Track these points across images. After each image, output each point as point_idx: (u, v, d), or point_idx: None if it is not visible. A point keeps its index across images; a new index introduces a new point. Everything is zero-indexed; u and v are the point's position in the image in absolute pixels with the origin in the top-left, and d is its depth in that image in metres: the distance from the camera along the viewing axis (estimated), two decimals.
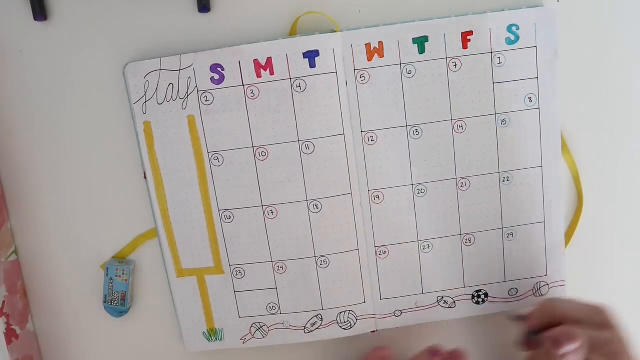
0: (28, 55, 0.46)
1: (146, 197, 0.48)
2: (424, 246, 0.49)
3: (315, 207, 0.47)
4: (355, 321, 0.50)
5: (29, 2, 0.45)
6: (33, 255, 0.50)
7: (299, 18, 0.46)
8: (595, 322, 0.43)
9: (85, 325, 0.51)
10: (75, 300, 0.50)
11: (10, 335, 0.47)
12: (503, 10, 0.46)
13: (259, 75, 0.45)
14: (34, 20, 0.45)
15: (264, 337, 0.50)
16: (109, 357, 0.52)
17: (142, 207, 0.48)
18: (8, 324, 0.47)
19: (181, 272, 0.49)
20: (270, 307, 0.49)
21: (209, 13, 0.46)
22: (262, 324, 0.49)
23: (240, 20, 0.46)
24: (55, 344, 0.51)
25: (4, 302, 0.47)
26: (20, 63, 0.46)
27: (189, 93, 0.46)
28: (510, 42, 0.46)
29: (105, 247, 0.49)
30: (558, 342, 0.41)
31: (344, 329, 0.50)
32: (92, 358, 0.52)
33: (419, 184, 0.48)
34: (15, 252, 0.49)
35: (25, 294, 0.50)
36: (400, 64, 0.46)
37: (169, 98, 0.46)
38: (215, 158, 0.47)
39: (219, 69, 0.45)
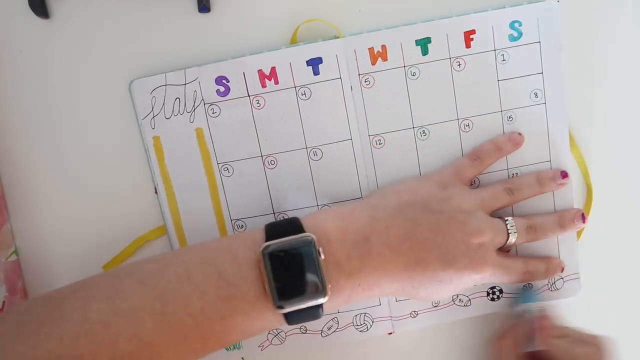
0: (28, 55, 0.46)
1: (149, 201, 0.48)
2: None
3: None
4: (371, 323, 0.50)
5: (29, 1, 0.45)
6: (33, 255, 0.50)
7: (301, 25, 0.46)
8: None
9: None
10: None
11: None
12: (504, 7, 0.46)
13: (263, 85, 0.46)
14: (34, 20, 0.45)
15: (281, 343, 0.50)
16: None
17: (144, 210, 0.49)
18: None
19: None
20: None
21: (208, 13, 0.46)
22: (279, 330, 0.50)
23: (240, 20, 0.46)
24: None
25: (4, 302, 0.47)
26: (20, 63, 0.47)
27: (195, 106, 0.46)
28: (513, 38, 0.46)
29: (105, 248, 0.49)
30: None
31: (360, 331, 0.50)
32: None
33: None
34: (16, 252, 0.49)
35: (25, 295, 0.50)
36: (404, 67, 0.46)
37: (176, 112, 0.46)
38: (225, 169, 0.47)
39: (223, 80, 0.46)
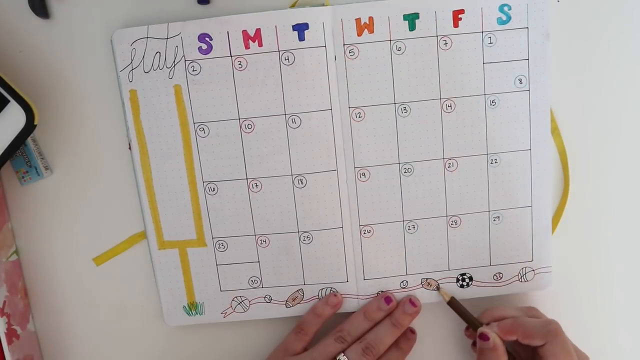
0: (28, 55, 0.46)
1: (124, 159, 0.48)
2: (409, 226, 0.49)
3: (300, 182, 0.47)
4: None
5: (29, 1, 0.45)
6: (33, 255, 0.49)
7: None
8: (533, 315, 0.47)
9: (85, 325, 0.51)
10: (75, 300, 0.50)
11: (11, 335, 0.47)
12: None
13: (247, 47, 0.45)
14: (34, 20, 0.45)
15: (245, 312, 0.49)
16: (108, 355, 0.51)
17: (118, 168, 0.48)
18: (9, 324, 0.47)
19: (163, 245, 0.48)
20: (252, 281, 0.49)
21: (208, 5, 0.45)
22: (243, 298, 0.49)
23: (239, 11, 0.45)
24: (55, 344, 0.51)
25: (4, 302, 0.46)
26: (20, 63, 0.46)
27: (176, 62, 0.45)
28: (501, 22, 0.46)
29: (103, 247, 0.49)
30: (482, 335, 0.46)
31: None
32: (92, 357, 0.51)
33: (405, 163, 0.48)
34: (16, 252, 0.49)
35: (25, 294, 0.50)
36: (390, 40, 0.46)
37: (155, 66, 0.45)
38: (201, 129, 0.46)
39: (206, 38, 0.45)
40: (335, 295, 0.49)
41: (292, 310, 0.49)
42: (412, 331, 0.50)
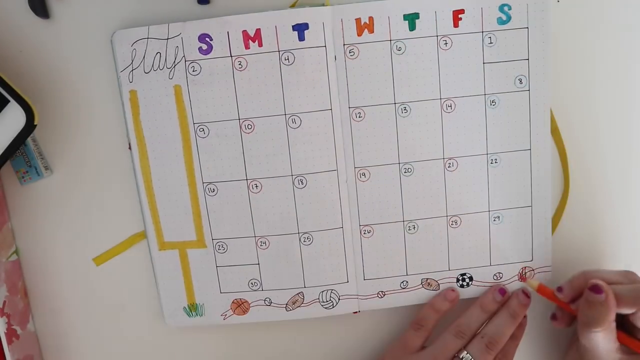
0: (28, 55, 0.46)
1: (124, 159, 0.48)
2: (409, 226, 0.49)
3: (300, 183, 0.47)
4: (337, 300, 0.49)
5: (29, 1, 0.45)
6: (33, 255, 0.49)
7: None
8: (630, 280, 0.45)
9: (85, 325, 0.51)
10: (75, 300, 0.50)
11: (10, 335, 0.47)
12: None
13: (247, 47, 0.45)
14: (34, 20, 0.45)
15: (244, 314, 0.49)
16: (108, 355, 0.51)
17: (117, 168, 0.48)
18: (9, 324, 0.47)
19: (163, 245, 0.48)
20: (252, 283, 0.49)
21: (208, 5, 0.45)
22: (243, 300, 0.49)
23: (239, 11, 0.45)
24: (55, 344, 0.51)
25: (4, 302, 0.46)
26: (20, 63, 0.46)
27: (176, 62, 0.45)
28: (501, 22, 0.46)
29: (103, 247, 0.49)
30: (594, 288, 0.44)
31: (325, 308, 0.49)
32: (92, 357, 0.51)
33: (405, 163, 0.48)
34: (16, 252, 0.49)
35: (25, 294, 0.50)
36: (390, 40, 0.46)
37: (155, 67, 0.45)
38: (201, 129, 0.46)
39: (207, 39, 0.45)
40: (452, 290, 0.49)
41: (292, 314, 0.49)
42: (524, 316, 0.50)
